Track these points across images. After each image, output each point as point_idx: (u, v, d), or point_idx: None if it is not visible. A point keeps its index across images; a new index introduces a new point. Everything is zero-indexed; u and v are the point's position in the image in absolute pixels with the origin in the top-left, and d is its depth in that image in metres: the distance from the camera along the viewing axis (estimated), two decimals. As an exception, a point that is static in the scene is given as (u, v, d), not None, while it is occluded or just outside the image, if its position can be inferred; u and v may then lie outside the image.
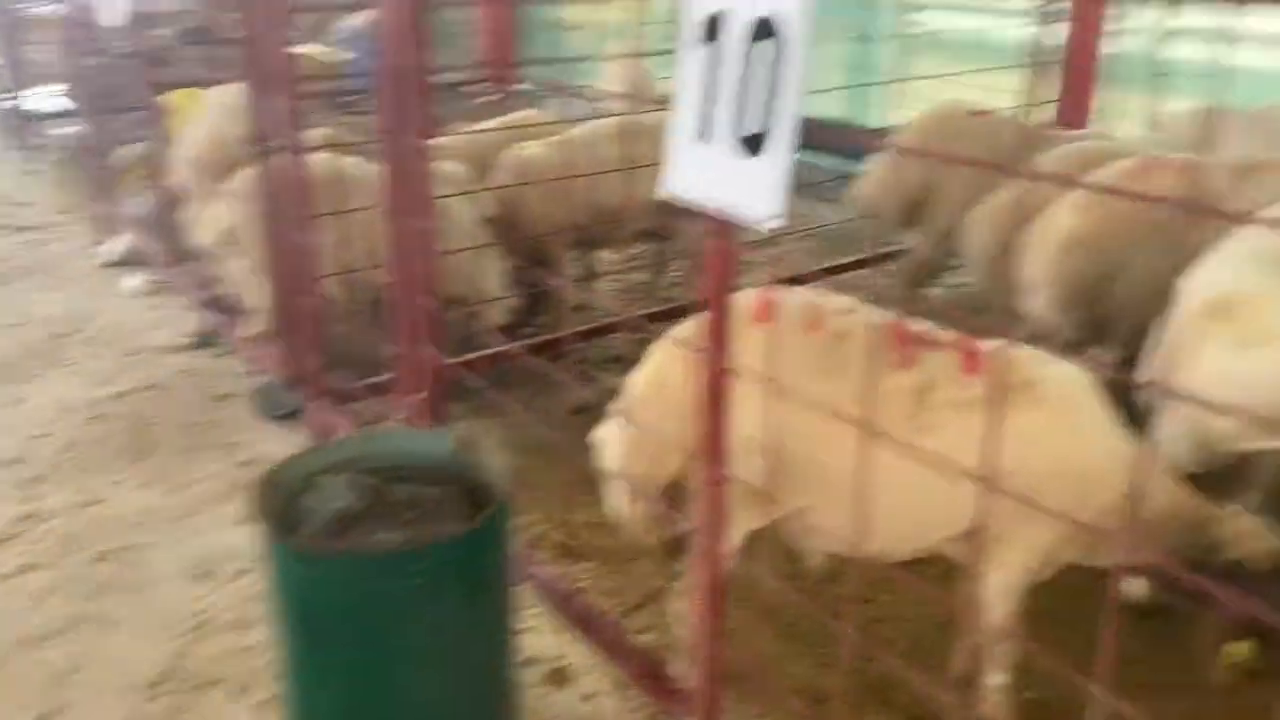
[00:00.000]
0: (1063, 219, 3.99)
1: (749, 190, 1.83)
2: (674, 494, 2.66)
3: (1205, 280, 3.07)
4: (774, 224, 1.79)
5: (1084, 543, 2.61)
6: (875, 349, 2.49)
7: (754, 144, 1.80)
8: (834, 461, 2.44)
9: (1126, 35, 6.79)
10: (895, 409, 2.46)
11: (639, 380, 2.71)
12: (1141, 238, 3.81)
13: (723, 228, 2.00)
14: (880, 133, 5.43)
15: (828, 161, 7.91)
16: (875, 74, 8.64)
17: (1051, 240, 3.98)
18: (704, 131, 1.90)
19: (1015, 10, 7.55)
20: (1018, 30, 7.02)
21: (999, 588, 2.60)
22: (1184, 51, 7.30)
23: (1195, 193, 3.83)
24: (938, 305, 5.98)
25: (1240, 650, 2.46)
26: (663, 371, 2.65)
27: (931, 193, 5.23)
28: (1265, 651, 2.46)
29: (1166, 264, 3.47)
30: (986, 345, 2.57)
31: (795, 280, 6.27)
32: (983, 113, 5.31)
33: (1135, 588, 3.12)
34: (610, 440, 2.73)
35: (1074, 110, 6.63)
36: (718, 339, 2.12)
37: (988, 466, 1.96)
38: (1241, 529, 2.52)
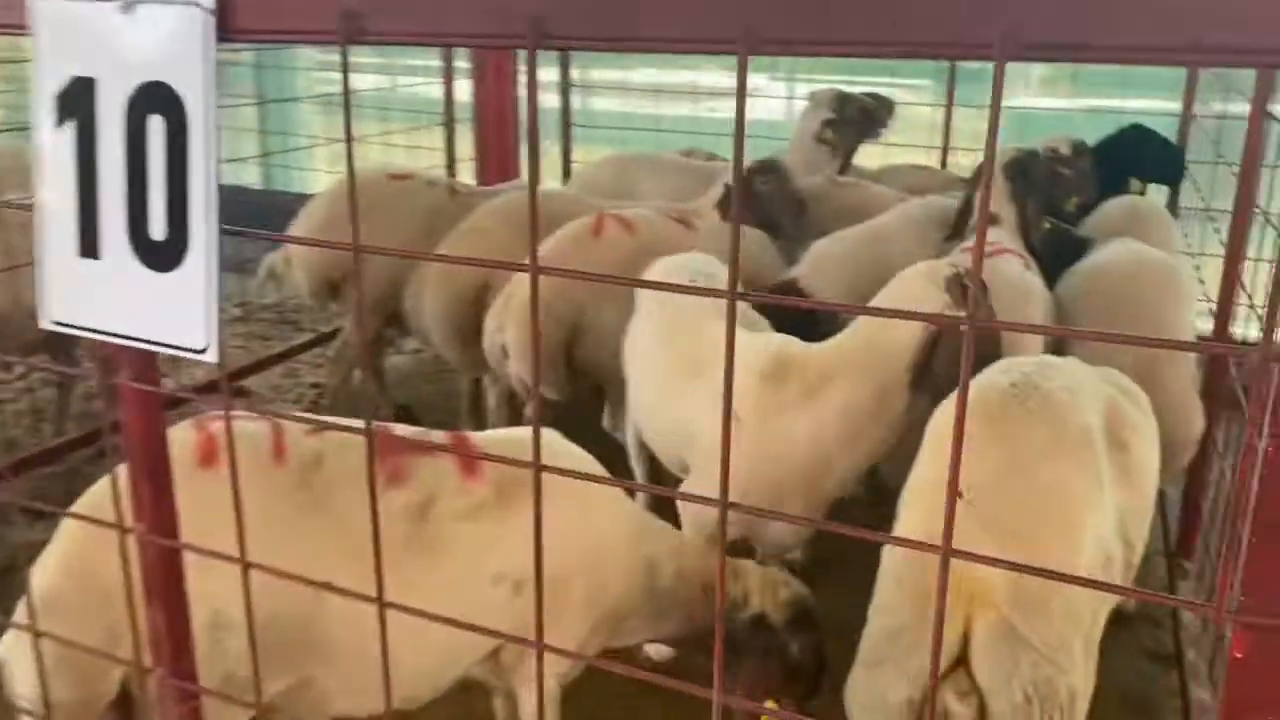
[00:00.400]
0: (523, 284, 3.88)
1: (164, 316, 1.35)
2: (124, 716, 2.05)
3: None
4: (208, 358, 1.34)
5: (610, 629, 2.43)
6: (356, 470, 2.09)
7: (162, 255, 1.33)
8: (335, 613, 2.01)
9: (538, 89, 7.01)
10: (391, 534, 2.08)
11: (48, 569, 2.05)
12: (599, 296, 3.80)
13: (138, 364, 1.50)
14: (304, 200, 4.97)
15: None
16: (294, 138, 8.16)
17: (516, 304, 3.84)
18: (87, 242, 1.38)
19: (420, 67, 7.49)
20: (432, 88, 6.96)
21: (534, 704, 2.32)
22: (594, 103, 7.69)
23: (650, 245, 3.89)
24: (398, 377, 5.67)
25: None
26: (80, 554, 2.02)
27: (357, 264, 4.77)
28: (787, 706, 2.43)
29: (627, 321, 3.47)
30: (486, 438, 2.29)
31: (236, 375, 5.62)
32: (404, 175, 5.04)
33: (659, 650, 3.02)
34: (15, 659, 2.02)
35: (498, 165, 6.67)
36: (151, 502, 1.59)
37: (507, 576, 1.69)
38: (761, 581, 2.48)
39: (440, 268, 4.40)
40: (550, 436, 2.36)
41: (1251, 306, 3.31)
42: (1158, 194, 5.35)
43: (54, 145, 1.37)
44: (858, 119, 5.16)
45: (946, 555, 1.07)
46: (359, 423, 2.19)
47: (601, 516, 2.31)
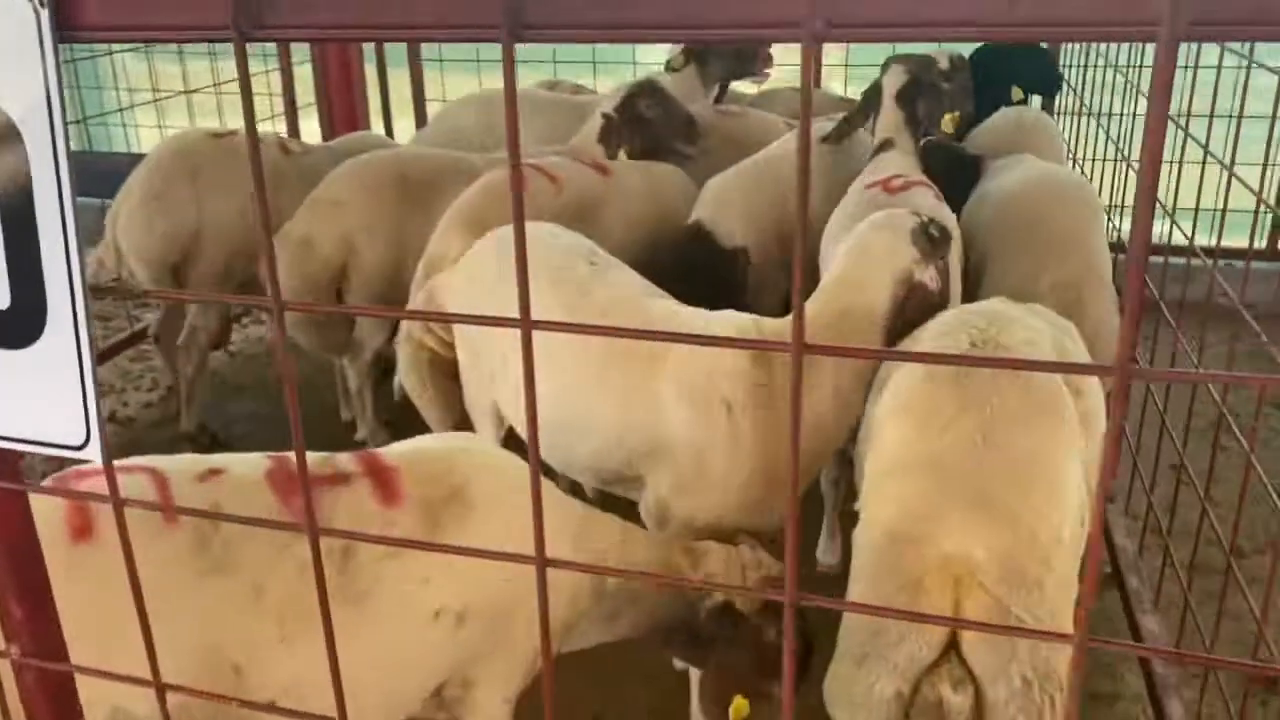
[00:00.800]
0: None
1: (20, 405, 1.03)
2: None
3: None
4: (89, 454, 1.03)
5: (560, 640, 2.21)
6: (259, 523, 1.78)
7: (9, 328, 1.01)
8: (255, 689, 1.72)
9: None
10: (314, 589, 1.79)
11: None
12: None
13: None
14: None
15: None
16: (112, 93, 7.39)
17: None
18: (-100, 315, 1.05)
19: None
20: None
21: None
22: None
23: (575, 198, 3.70)
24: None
25: (741, 706, 2.24)
26: None
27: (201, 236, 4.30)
28: (757, 704, 2.25)
29: None
30: (396, 454, 2.01)
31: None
32: (227, 133, 4.50)
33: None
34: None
35: (345, 114, 6.16)
36: (27, 619, 1.27)
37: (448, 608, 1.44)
38: (725, 565, 2.28)
39: (291, 243, 3.98)
40: (470, 444, 2.09)
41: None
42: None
43: None
44: (728, 54, 4.86)
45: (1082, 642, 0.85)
46: (254, 460, 1.89)
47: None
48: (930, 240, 2.53)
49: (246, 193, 4.19)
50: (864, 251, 2.59)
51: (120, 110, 6.78)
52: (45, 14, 0.90)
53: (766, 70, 5.01)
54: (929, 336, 2.31)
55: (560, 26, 0.79)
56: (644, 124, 4.17)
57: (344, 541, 1.84)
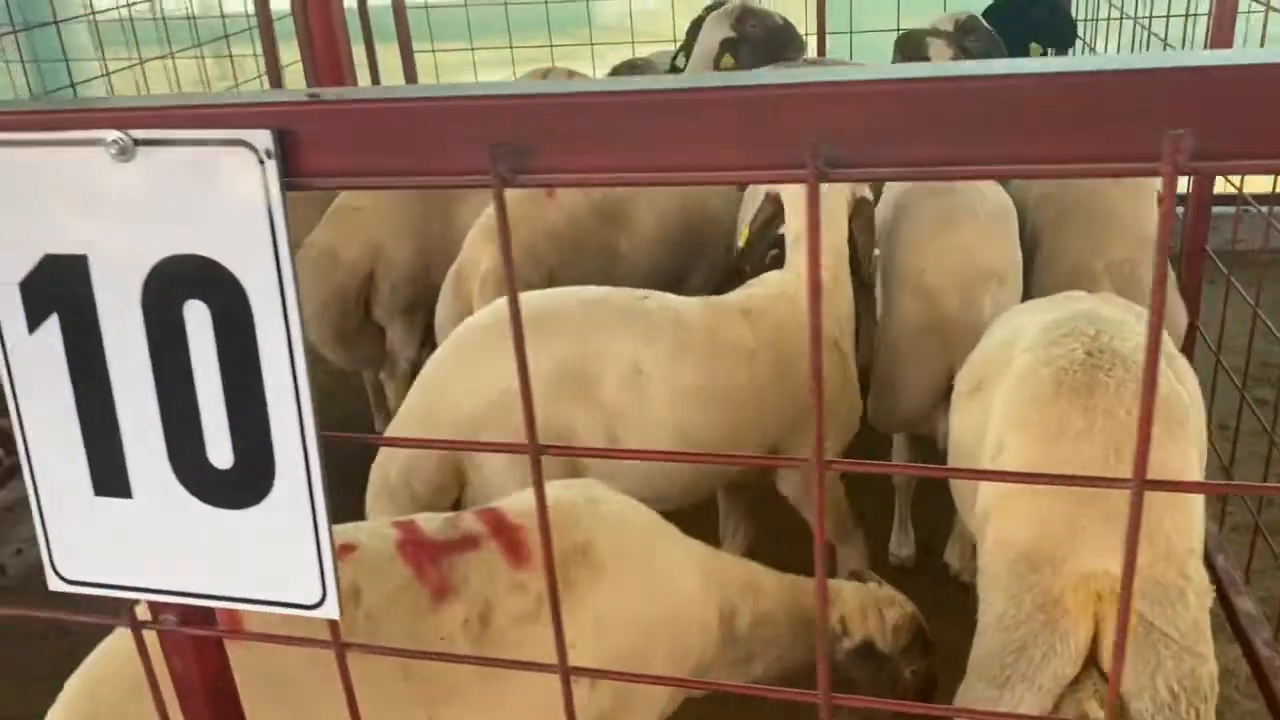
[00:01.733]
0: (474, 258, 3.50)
1: (246, 563, 0.97)
2: None
3: None
4: (325, 612, 0.97)
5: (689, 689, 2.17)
6: (395, 593, 1.72)
7: (232, 487, 0.94)
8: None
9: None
10: (457, 664, 1.75)
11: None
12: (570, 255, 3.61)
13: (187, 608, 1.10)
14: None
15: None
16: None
17: (476, 289, 3.45)
18: (107, 476, 0.98)
19: None
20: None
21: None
22: None
23: (601, 203, 3.66)
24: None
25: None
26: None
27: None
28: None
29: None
30: (519, 510, 1.94)
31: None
32: None
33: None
34: None
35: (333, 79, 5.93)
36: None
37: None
38: (860, 603, 2.23)
39: (317, 256, 3.88)
40: (592, 491, 2.03)
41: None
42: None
43: (27, 356, 0.95)
44: (762, 39, 4.70)
45: None
46: (383, 531, 1.83)
47: (673, 575, 2.00)
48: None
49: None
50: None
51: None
52: (271, 164, 0.83)
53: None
54: (1034, 344, 2.25)
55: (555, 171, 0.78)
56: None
57: (481, 609, 1.78)
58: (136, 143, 0.85)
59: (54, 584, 1.03)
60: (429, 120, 0.81)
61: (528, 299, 2.67)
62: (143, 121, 0.85)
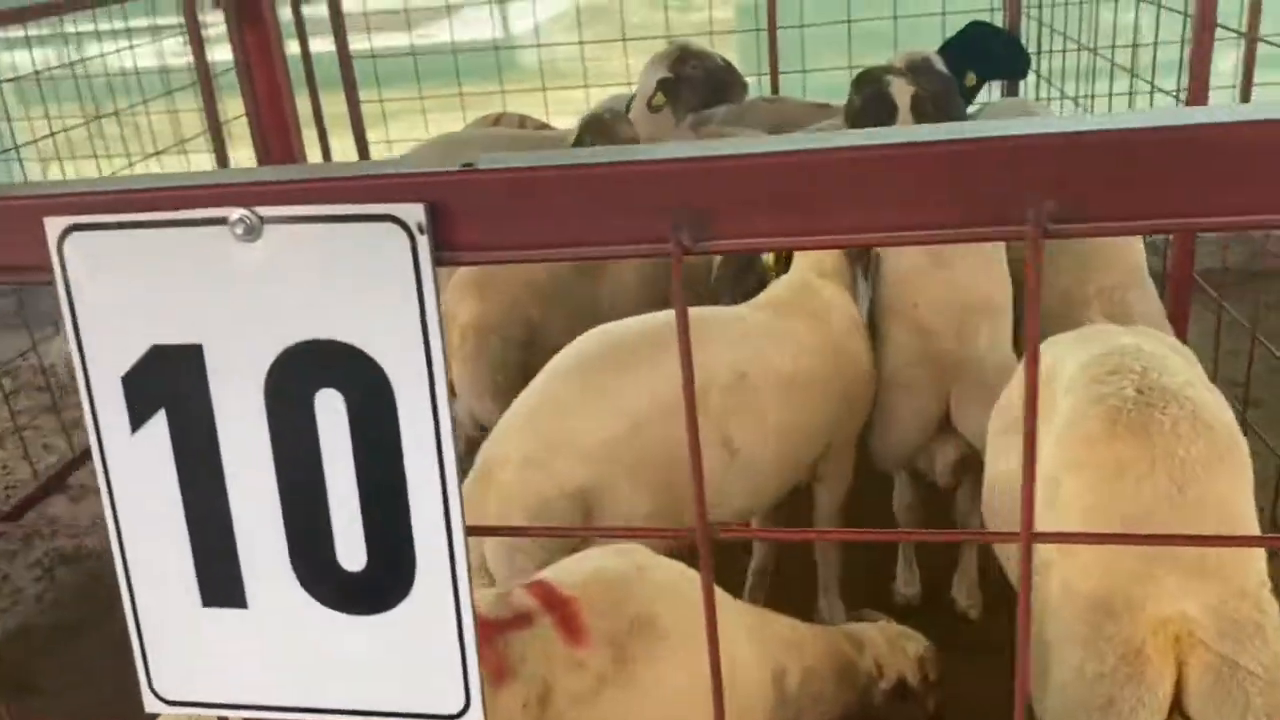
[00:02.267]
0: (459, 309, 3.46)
1: (378, 674, 0.88)
2: None
3: None
4: (470, 722, 0.89)
5: None
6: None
7: (364, 591, 0.86)
8: None
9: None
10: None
11: None
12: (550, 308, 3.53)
13: None
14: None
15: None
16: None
17: (456, 338, 3.37)
18: (216, 586, 0.89)
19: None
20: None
21: None
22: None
23: None
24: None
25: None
26: None
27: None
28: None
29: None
30: (571, 582, 1.86)
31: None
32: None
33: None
34: None
35: (280, 143, 5.79)
36: None
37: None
38: (888, 643, 2.18)
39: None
40: (642, 558, 1.94)
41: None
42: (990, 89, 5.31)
43: (129, 457, 0.86)
44: (701, 79, 4.60)
45: None
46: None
47: (729, 641, 1.93)
48: None
49: None
50: None
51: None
52: (424, 239, 0.76)
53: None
54: (1078, 382, 2.20)
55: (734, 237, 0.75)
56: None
57: (540, 690, 1.69)
58: (263, 220, 0.78)
59: (150, 704, 0.93)
60: (599, 187, 0.75)
61: (622, 328, 2.75)
62: (272, 198, 0.77)
